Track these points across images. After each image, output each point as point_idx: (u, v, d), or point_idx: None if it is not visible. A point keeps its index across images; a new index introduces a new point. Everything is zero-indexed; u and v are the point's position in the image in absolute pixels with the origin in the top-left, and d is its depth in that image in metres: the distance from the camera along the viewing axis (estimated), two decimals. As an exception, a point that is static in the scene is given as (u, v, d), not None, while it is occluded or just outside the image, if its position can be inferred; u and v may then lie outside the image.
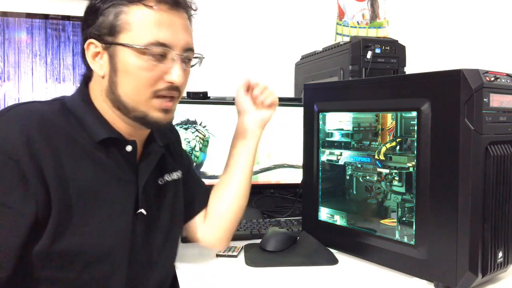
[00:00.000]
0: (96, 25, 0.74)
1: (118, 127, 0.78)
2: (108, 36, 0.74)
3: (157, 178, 0.85)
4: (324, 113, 1.11)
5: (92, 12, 0.75)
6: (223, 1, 1.88)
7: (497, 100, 0.84)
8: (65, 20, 1.51)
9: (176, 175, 0.90)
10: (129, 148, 0.78)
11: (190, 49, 0.78)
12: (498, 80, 0.85)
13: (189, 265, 0.97)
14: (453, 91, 0.82)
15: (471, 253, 0.81)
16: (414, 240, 0.90)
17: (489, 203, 0.83)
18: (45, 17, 1.51)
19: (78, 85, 0.81)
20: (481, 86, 0.81)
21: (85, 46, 0.76)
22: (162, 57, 0.74)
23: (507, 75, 0.88)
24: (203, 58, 0.82)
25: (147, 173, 0.80)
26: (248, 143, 0.99)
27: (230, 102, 1.45)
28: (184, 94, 0.92)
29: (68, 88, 1.53)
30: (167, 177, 0.88)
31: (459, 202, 0.81)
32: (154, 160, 0.83)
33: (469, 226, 0.81)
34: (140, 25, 0.72)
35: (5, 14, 1.47)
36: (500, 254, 0.86)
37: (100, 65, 0.76)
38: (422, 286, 0.88)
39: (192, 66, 0.81)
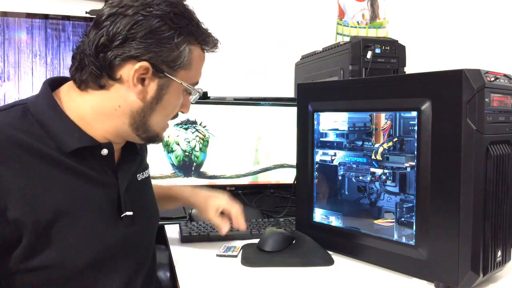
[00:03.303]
0: (160, 52, 0.71)
1: (90, 130, 0.73)
2: (168, 68, 0.73)
3: (134, 177, 0.85)
4: (319, 113, 1.11)
5: (159, 37, 0.70)
6: (223, 1, 1.89)
7: (497, 100, 0.84)
8: (65, 20, 1.51)
9: (146, 172, 0.91)
10: (104, 151, 0.75)
11: None
12: (498, 80, 0.85)
13: (189, 265, 0.97)
14: (454, 91, 0.82)
15: (473, 253, 0.81)
16: (414, 240, 0.90)
17: (490, 203, 0.83)
18: (45, 17, 1.51)
19: (40, 89, 0.76)
20: (483, 86, 0.81)
21: (137, 67, 0.70)
22: None
23: (505, 75, 0.88)
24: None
25: (127, 176, 0.79)
26: (190, 201, 1.07)
27: (230, 102, 1.45)
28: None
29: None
30: (140, 176, 0.88)
31: (461, 202, 0.81)
32: (133, 162, 0.83)
33: (471, 225, 0.81)
34: (196, 67, 0.78)
35: (5, 14, 1.47)
36: (499, 253, 0.87)
37: (140, 90, 0.73)
38: (422, 286, 0.88)
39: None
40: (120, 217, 0.77)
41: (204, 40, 0.77)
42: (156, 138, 0.80)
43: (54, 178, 0.68)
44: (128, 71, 0.71)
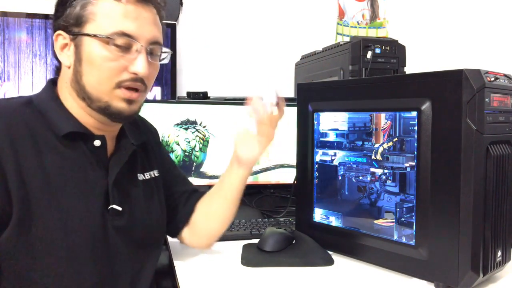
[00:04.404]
0: (64, 16, 0.75)
1: (86, 122, 0.77)
2: (75, 27, 0.75)
3: (132, 175, 0.85)
4: (319, 113, 1.11)
5: (61, 4, 0.76)
6: (223, 1, 1.89)
7: (496, 100, 0.84)
8: (65, 20, 1.51)
9: (151, 174, 0.90)
10: (97, 142, 0.78)
11: (157, 43, 0.78)
12: (498, 80, 0.85)
13: (189, 265, 0.97)
14: (455, 91, 0.82)
15: (473, 253, 0.81)
16: (414, 240, 0.90)
17: (490, 203, 0.83)
18: (45, 17, 1.51)
19: (44, 85, 0.82)
20: (483, 86, 0.81)
21: (54, 37, 0.77)
22: (127, 48, 0.74)
23: (505, 75, 0.88)
24: (171, 53, 0.83)
25: (117, 168, 0.80)
26: (232, 177, 0.96)
27: (230, 102, 1.45)
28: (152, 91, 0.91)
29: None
30: (141, 176, 0.87)
31: (461, 202, 0.81)
32: (125, 156, 0.82)
33: (471, 225, 0.81)
34: (105, 15, 0.74)
35: (5, 14, 1.47)
36: (499, 253, 0.87)
37: (67, 56, 0.77)
38: (422, 286, 0.88)
39: (161, 61, 0.82)
40: (107, 209, 0.77)
41: None
42: (108, 107, 0.75)
43: (45, 159, 0.71)
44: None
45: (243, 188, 0.97)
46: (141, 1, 0.76)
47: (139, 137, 0.89)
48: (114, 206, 0.78)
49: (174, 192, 0.98)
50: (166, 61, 0.83)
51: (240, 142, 0.95)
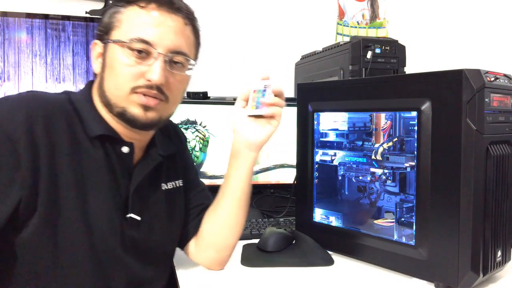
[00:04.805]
0: (100, 25, 0.78)
1: (116, 127, 0.78)
2: (105, 35, 0.77)
3: (155, 185, 0.84)
4: (319, 113, 1.11)
5: (101, 14, 0.79)
6: (223, 1, 1.89)
7: (496, 100, 0.84)
8: (65, 20, 1.51)
9: (175, 183, 0.89)
10: (125, 149, 0.78)
11: (179, 53, 0.77)
12: (498, 80, 0.85)
13: (189, 265, 0.97)
14: (455, 91, 0.82)
15: (473, 253, 0.81)
16: (414, 240, 0.90)
17: (490, 203, 0.83)
18: (45, 17, 1.51)
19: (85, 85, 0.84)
20: (483, 86, 0.81)
21: (91, 46, 0.79)
22: (146, 55, 0.74)
23: (505, 75, 0.88)
24: (194, 65, 0.81)
25: (140, 177, 0.79)
26: (239, 167, 0.89)
27: (230, 102, 1.45)
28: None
29: (68, 88, 1.52)
30: (165, 186, 0.87)
31: (461, 202, 0.81)
32: (150, 166, 0.82)
33: (471, 225, 0.81)
34: (129, 22, 0.75)
35: (5, 14, 1.47)
36: (499, 253, 0.86)
37: (99, 64, 0.78)
38: (422, 286, 0.88)
39: (189, 70, 0.80)
40: (125, 218, 0.77)
41: None
42: (124, 112, 0.75)
43: (76, 159, 0.72)
44: None
45: (250, 181, 0.90)
46: (169, 10, 0.76)
47: (168, 148, 0.88)
48: (132, 215, 0.78)
49: (189, 203, 0.94)
50: (190, 73, 0.81)
51: (245, 127, 0.89)
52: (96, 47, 0.79)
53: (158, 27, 0.74)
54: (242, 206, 0.91)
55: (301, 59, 1.83)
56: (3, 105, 0.69)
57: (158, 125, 0.80)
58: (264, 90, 0.89)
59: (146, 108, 0.75)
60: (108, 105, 0.76)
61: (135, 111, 0.75)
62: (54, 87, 1.52)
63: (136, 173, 0.79)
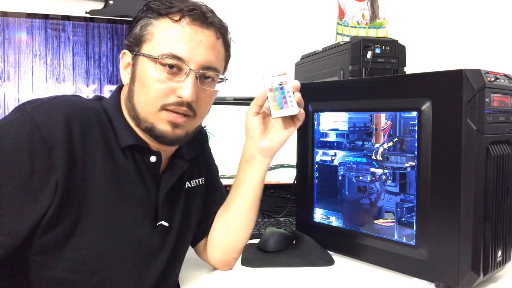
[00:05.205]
0: (130, 35, 0.77)
1: (142, 137, 0.77)
2: (135, 47, 0.76)
3: (180, 187, 0.85)
4: (319, 113, 1.11)
5: (131, 23, 0.77)
6: (223, 1, 1.89)
7: (497, 100, 0.84)
8: (65, 20, 1.51)
9: (198, 181, 0.90)
10: (153, 158, 0.77)
11: (211, 68, 0.76)
12: (498, 80, 0.85)
13: (189, 265, 0.97)
14: (455, 91, 0.82)
15: (473, 253, 0.81)
16: (414, 240, 0.90)
17: (490, 202, 0.83)
18: (45, 17, 1.51)
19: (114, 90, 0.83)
20: (483, 86, 0.81)
21: (120, 56, 0.78)
22: (177, 70, 0.73)
23: (505, 75, 0.88)
24: (226, 80, 0.81)
25: (168, 185, 0.80)
26: (253, 173, 0.90)
27: (230, 102, 1.45)
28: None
29: (68, 88, 1.52)
30: (188, 184, 0.87)
31: (461, 202, 0.81)
32: (177, 174, 0.82)
33: (471, 225, 0.81)
34: (161, 36, 0.73)
35: (5, 14, 1.47)
36: (500, 253, 0.86)
37: (127, 75, 0.77)
38: (422, 286, 0.88)
39: (219, 83, 0.80)
40: (156, 225, 0.78)
41: (166, 10, 0.74)
42: (152, 129, 0.74)
43: (107, 168, 0.71)
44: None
45: (262, 186, 0.91)
46: (201, 24, 0.74)
47: (193, 150, 0.88)
48: (163, 223, 0.79)
49: (205, 201, 0.94)
50: (219, 86, 0.80)
51: (259, 132, 0.88)
52: (125, 57, 0.78)
53: (190, 42, 0.73)
54: (253, 210, 0.91)
55: (301, 59, 1.83)
56: (44, 108, 0.68)
57: (184, 140, 0.79)
58: (282, 88, 0.83)
59: (174, 125, 0.75)
60: (136, 119, 0.75)
61: (164, 128, 0.74)
62: (54, 87, 1.52)
63: (163, 182, 0.80)
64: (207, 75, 0.77)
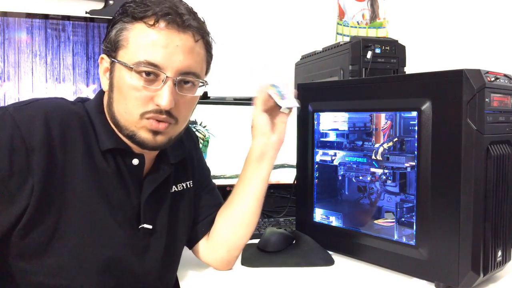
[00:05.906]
0: (107, 39, 0.74)
1: (124, 140, 0.77)
2: (112, 52, 0.74)
3: (165, 191, 0.84)
4: (319, 113, 1.11)
5: (108, 26, 0.75)
6: (223, 1, 1.89)
7: (497, 100, 0.84)
8: (65, 20, 1.51)
9: (185, 184, 0.89)
10: (135, 161, 0.77)
11: (189, 73, 0.74)
12: (498, 80, 0.85)
13: (189, 265, 0.97)
14: (455, 91, 0.82)
15: (473, 253, 0.81)
16: (414, 240, 0.90)
17: (490, 203, 0.83)
18: (45, 17, 1.51)
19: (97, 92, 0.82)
20: (483, 87, 0.81)
21: (99, 60, 0.77)
22: (154, 77, 0.71)
23: (505, 75, 0.88)
24: (206, 84, 0.79)
25: (150, 189, 0.79)
26: (264, 168, 0.92)
27: (230, 102, 1.45)
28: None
29: (68, 88, 1.53)
30: (174, 188, 0.86)
31: (461, 202, 0.81)
32: (161, 177, 0.81)
33: (471, 225, 0.81)
34: (135, 43, 0.71)
35: (5, 14, 1.47)
36: (500, 253, 0.87)
37: (106, 80, 0.76)
38: (422, 286, 0.88)
39: (200, 87, 0.77)
40: (138, 228, 0.78)
41: (141, 14, 0.71)
42: (134, 136, 0.73)
43: (87, 171, 0.71)
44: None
45: (267, 184, 0.94)
46: (177, 28, 0.71)
47: (179, 153, 0.87)
48: (145, 225, 0.78)
49: (198, 202, 0.94)
50: (200, 90, 0.78)
51: (270, 128, 0.91)
52: (104, 62, 0.76)
53: (166, 48, 0.70)
54: (260, 206, 0.93)
55: (301, 59, 1.83)
56: (25, 109, 0.68)
57: (167, 145, 0.78)
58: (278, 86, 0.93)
59: (155, 133, 0.74)
60: (117, 126, 0.75)
61: (145, 135, 0.73)
62: (54, 87, 1.52)
63: (146, 185, 0.79)
64: (186, 80, 0.74)
